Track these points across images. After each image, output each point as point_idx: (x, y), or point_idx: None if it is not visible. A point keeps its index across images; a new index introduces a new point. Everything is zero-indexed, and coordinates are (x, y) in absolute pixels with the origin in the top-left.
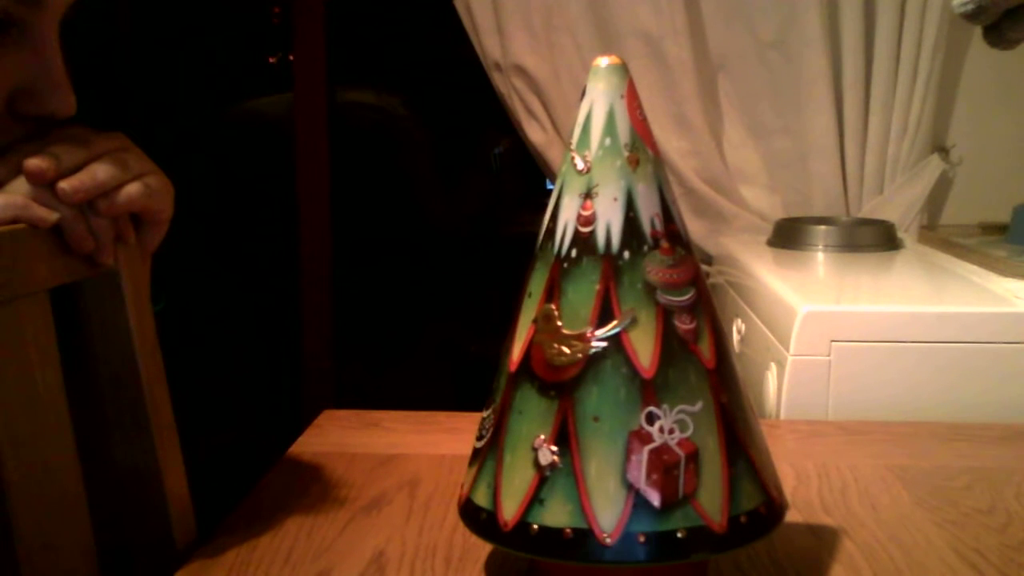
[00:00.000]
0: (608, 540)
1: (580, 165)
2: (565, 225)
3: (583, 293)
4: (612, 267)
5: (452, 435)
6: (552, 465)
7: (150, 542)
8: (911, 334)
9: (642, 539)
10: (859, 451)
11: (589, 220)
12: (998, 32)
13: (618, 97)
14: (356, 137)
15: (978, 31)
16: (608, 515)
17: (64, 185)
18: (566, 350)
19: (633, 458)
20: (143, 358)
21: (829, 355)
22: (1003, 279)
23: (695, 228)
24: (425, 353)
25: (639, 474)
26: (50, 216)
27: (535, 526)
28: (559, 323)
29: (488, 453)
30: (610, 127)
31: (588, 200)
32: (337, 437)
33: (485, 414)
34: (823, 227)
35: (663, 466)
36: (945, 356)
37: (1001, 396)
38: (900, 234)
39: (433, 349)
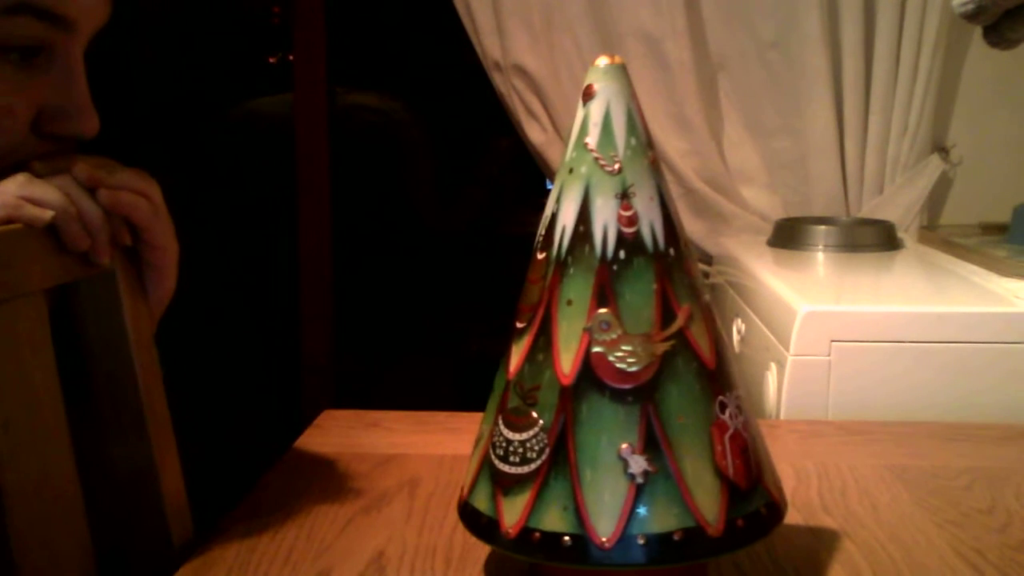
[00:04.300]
0: (714, 532)
1: (610, 166)
2: (605, 227)
3: (642, 294)
4: (663, 265)
5: (452, 435)
6: (646, 472)
7: (147, 542)
8: (911, 334)
9: (740, 523)
10: (859, 451)
11: (632, 220)
12: (998, 32)
13: (630, 97)
14: (357, 138)
15: (978, 31)
16: (712, 509)
17: (81, 163)
18: (639, 353)
19: (718, 448)
20: (139, 358)
21: (829, 355)
22: (1003, 279)
23: (695, 228)
24: (425, 353)
25: (727, 463)
26: (43, 215)
27: (641, 537)
28: (622, 327)
29: (552, 475)
30: (632, 127)
31: (626, 201)
32: (337, 437)
33: (523, 436)
34: (823, 227)
35: (740, 451)
36: (945, 356)
37: (1001, 396)
38: (900, 234)
39: (433, 349)
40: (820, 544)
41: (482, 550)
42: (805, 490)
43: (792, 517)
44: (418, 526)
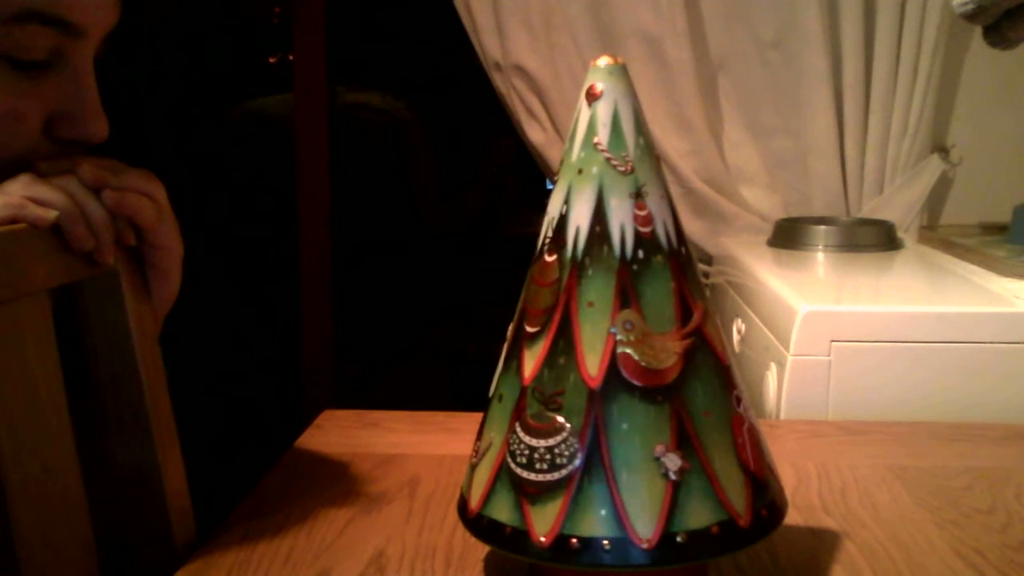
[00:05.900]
0: (744, 523)
1: (622, 166)
2: (622, 228)
3: (662, 293)
4: (678, 263)
5: (452, 435)
6: (681, 470)
7: (150, 541)
8: (911, 334)
9: (764, 513)
10: (859, 451)
11: (647, 220)
12: (998, 32)
13: (634, 97)
14: (358, 137)
15: (978, 31)
16: (740, 501)
17: (85, 164)
18: (664, 352)
19: (739, 441)
20: (143, 358)
21: (829, 355)
22: (1003, 279)
23: (695, 228)
24: (425, 353)
25: (747, 455)
26: (48, 215)
27: (680, 535)
28: (646, 327)
29: (586, 480)
30: (639, 127)
31: (640, 200)
32: (337, 437)
33: (549, 442)
34: (823, 227)
35: (755, 443)
36: (945, 356)
37: (1001, 396)
38: (900, 234)
39: (433, 349)
40: (820, 544)
41: (482, 550)
42: (805, 490)
43: (792, 517)
44: (418, 526)
